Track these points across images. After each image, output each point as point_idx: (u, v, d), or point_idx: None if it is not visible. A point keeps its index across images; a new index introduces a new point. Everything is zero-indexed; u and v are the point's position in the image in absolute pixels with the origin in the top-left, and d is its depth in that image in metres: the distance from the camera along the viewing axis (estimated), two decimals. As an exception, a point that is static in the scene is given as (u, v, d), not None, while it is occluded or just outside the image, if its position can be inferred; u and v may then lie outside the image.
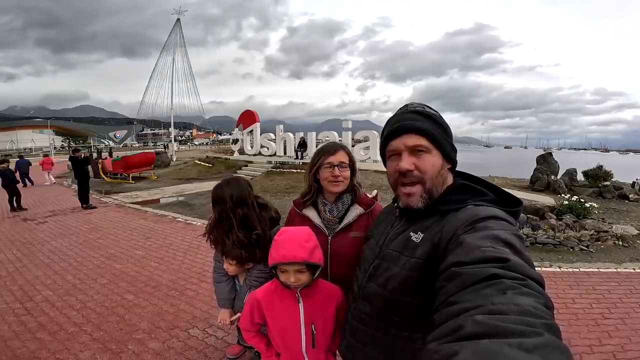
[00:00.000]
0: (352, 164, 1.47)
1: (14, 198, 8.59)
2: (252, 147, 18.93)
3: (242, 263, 1.82)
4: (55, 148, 43.61)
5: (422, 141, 0.88)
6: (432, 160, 0.88)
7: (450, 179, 0.94)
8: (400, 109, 0.97)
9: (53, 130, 64.29)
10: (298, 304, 1.28)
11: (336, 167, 1.41)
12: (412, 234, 0.89)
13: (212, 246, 1.93)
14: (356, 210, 1.44)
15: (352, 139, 16.30)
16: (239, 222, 1.76)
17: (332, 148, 1.46)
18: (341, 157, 1.44)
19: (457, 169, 0.98)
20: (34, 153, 29.24)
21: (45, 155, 16.02)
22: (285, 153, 17.30)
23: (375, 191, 1.60)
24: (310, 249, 1.20)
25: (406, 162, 0.88)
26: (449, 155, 0.92)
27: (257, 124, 18.85)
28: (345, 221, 1.42)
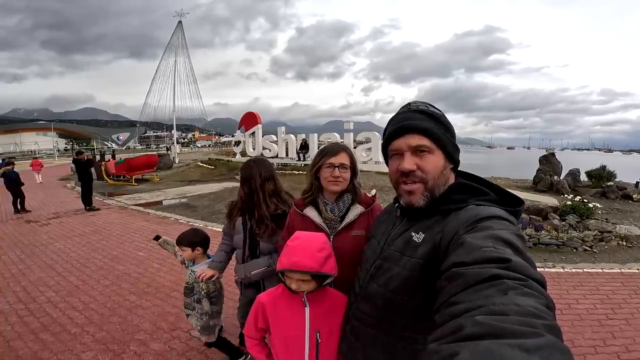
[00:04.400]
0: (353, 165, 1.49)
1: (18, 200, 8.65)
2: (254, 149, 18.96)
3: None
4: (58, 150, 43.87)
5: (424, 141, 0.87)
6: (435, 161, 0.88)
7: (452, 179, 0.93)
8: (403, 107, 0.95)
9: (56, 133, 64.64)
10: (304, 310, 1.24)
11: (336, 168, 1.43)
12: (413, 234, 0.89)
13: (228, 222, 2.14)
14: (357, 209, 1.45)
15: (354, 140, 16.28)
16: (269, 195, 1.95)
17: (334, 149, 1.48)
18: (342, 158, 1.46)
19: (459, 168, 0.98)
20: (37, 155, 29.60)
21: (35, 158, 17.95)
22: (287, 155, 17.30)
23: (374, 190, 1.62)
24: (322, 259, 1.16)
25: (408, 163, 0.87)
26: (451, 155, 0.91)
27: (259, 126, 18.88)
28: (347, 220, 1.43)
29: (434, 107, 0.93)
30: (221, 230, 2.30)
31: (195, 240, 2.24)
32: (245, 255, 2.01)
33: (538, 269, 0.58)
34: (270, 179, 1.98)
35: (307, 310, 1.24)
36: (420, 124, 0.88)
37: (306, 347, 1.23)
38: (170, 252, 2.52)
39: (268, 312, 1.30)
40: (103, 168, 15.11)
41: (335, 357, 1.24)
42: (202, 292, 2.22)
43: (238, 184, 2.14)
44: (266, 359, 1.37)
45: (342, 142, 15.24)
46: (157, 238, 2.54)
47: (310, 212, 1.49)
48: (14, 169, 9.16)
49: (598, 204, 7.38)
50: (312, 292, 1.23)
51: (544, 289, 0.53)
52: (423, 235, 0.86)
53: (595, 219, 6.63)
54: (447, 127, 0.91)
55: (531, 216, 6.54)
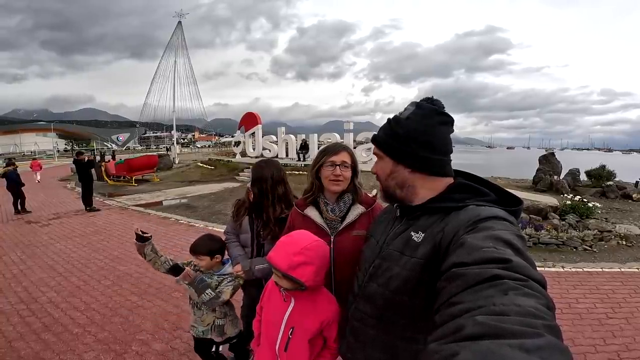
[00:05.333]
0: (354, 165, 1.50)
1: (19, 200, 8.65)
2: (254, 149, 18.95)
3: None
4: (58, 151, 43.88)
5: (375, 148, 1.01)
6: (382, 165, 0.99)
7: (419, 181, 0.93)
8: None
9: (56, 134, 64.57)
10: (288, 304, 1.28)
11: (338, 167, 1.43)
12: (413, 233, 0.89)
13: (234, 221, 2.10)
14: (358, 209, 1.46)
15: (354, 140, 16.28)
16: (278, 199, 1.92)
17: (335, 148, 1.50)
18: (343, 157, 1.46)
19: (460, 169, 0.99)
20: (37, 156, 29.74)
21: (34, 159, 18.77)
22: (287, 155, 17.30)
23: (375, 190, 1.62)
24: (294, 263, 1.16)
25: (372, 167, 1.04)
26: (400, 159, 0.94)
27: (259, 126, 18.87)
28: (348, 220, 1.44)
29: (412, 107, 0.94)
30: (223, 231, 2.24)
31: (214, 247, 2.02)
32: (254, 255, 2.03)
33: (538, 269, 0.59)
34: (281, 182, 1.95)
35: (290, 305, 1.28)
36: (376, 134, 1.02)
37: (278, 338, 1.28)
38: (151, 261, 1.98)
39: (265, 294, 1.40)
40: (103, 169, 15.11)
41: (303, 357, 1.27)
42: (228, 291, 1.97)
43: (238, 185, 2.12)
44: (257, 337, 1.46)
45: (341, 142, 15.25)
46: (142, 239, 1.93)
47: (311, 212, 1.50)
48: (15, 170, 9.17)
49: (598, 204, 7.39)
50: (292, 290, 1.24)
51: (544, 290, 0.54)
52: (423, 235, 0.87)
53: (595, 218, 6.63)
54: (395, 134, 0.94)
55: (531, 216, 6.55)
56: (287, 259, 1.16)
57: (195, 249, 1.98)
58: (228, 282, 1.98)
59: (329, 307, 1.30)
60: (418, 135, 0.91)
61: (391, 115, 1.00)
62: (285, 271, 1.16)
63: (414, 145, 0.91)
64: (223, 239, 2.16)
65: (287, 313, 1.27)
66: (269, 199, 1.91)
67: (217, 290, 1.92)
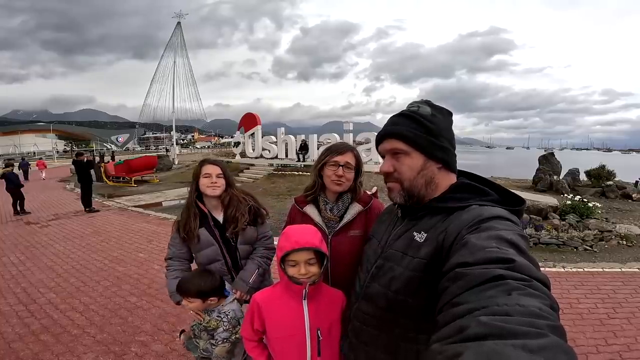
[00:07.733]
0: (358, 167, 1.49)
1: (18, 201, 8.64)
2: (253, 150, 18.95)
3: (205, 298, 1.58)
4: (57, 152, 43.90)
5: (399, 144, 0.91)
6: (410, 162, 0.91)
7: (443, 177, 0.93)
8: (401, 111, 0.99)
9: (55, 135, 64.59)
10: (303, 308, 1.20)
11: (341, 167, 1.42)
12: (415, 233, 0.89)
13: (184, 240, 1.79)
14: (355, 208, 1.45)
15: (354, 141, 16.28)
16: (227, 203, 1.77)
17: (341, 148, 1.48)
18: (348, 158, 1.45)
19: (461, 169, 0.99)
20: (37, 157, 29.96)
21: (39, 159, 22.68)
22: (286, 156, 17.29)
23: (375, 188, 1.60)
24: (320, 239, 1.20)
25: (384, 165, 0.95)
26: (433, 154, 0.91)
27: (259, 127, 18.87)
28: (345, 220, 1.43)
29: (426, 105, 0.93)
30: (165, 258, 1.89)
31: (204, 287, 1.56)
32: (229, 265, 1.77)
33: (539, 269, 0.58)
34: (231, 185, 1.83)
35: (305, 308, 1.21)
36: (393, 129, 0.93)
37: (308, 346, 1.20)
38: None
39: (264, 312, 1.26)
40: (102, 169, 15.11)
41: (337, 354, 1.22)
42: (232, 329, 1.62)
43: (238, 185, 2.02)
44: None
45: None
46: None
47: (311, 211, 1.50)
48: (14, 170, 9.19)
49: (598, 204, 7.38)
50: (314, 284, 1.20)
51: (548, 290, 0.53)
52: (425, 235, 0.86)
53: (595, 218, 6.63)
54: (429, 129, 0.90)
55: (531, 216, 6.54)
56: (314, 237, 1.19)
57: (183, 289, 1.58)
58: (223, 332, 1.58)
59: (335, 291, 1.30)
60: (445, 131, 0.93)
61: (396, 113, 0.97)
62: (319, 247, 1.17)
63: (445, 140, 0.92)
64: (167, 268, 1.82)
65: (306, 317, 1.20)
66: (235, 190, 1.79)
67: (206, 349, 1.60)
